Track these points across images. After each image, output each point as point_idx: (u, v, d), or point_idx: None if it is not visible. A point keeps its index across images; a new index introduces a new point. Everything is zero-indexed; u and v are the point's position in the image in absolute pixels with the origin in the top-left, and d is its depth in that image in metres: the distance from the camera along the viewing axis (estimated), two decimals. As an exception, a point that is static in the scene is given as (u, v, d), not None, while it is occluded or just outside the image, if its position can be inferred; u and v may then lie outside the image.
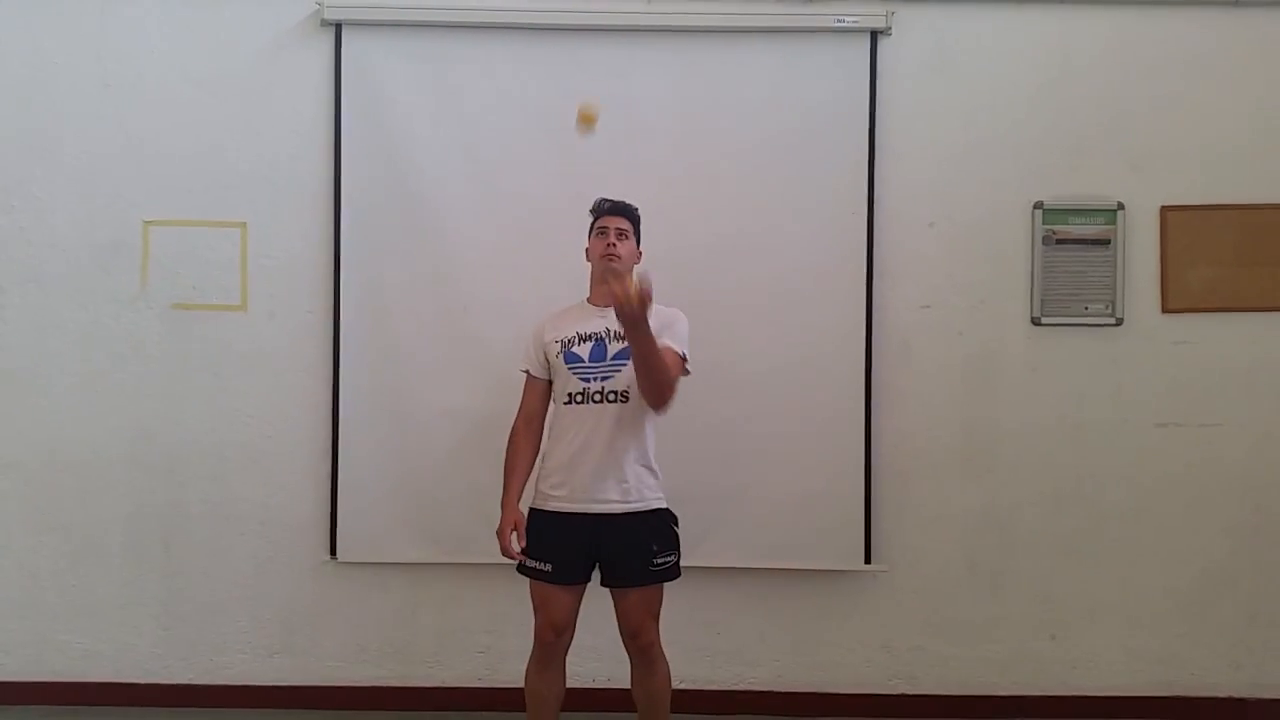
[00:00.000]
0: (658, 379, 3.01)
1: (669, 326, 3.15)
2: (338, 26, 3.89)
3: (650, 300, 2.83)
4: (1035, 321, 3.93)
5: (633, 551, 3.13)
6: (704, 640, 3.95)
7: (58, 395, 3.92)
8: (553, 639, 3.18)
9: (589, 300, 3.32)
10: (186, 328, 3.92)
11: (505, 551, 3.19)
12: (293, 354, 3.92)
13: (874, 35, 3.87)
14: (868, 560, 3.90)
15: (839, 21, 3.86)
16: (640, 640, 3.17)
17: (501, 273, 3.87)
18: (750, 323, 3.83)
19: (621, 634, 3.21)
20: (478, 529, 3.82)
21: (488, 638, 3.95)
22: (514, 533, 3.18)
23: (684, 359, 3.16)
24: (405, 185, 3.89)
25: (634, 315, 2.81)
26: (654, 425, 3.20)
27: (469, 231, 3.89)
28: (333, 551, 3.90)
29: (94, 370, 3.92)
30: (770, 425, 3.85)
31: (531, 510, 3.23)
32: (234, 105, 3.92)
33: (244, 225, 3.93)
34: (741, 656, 3.98)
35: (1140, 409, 3.92)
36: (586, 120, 3.12)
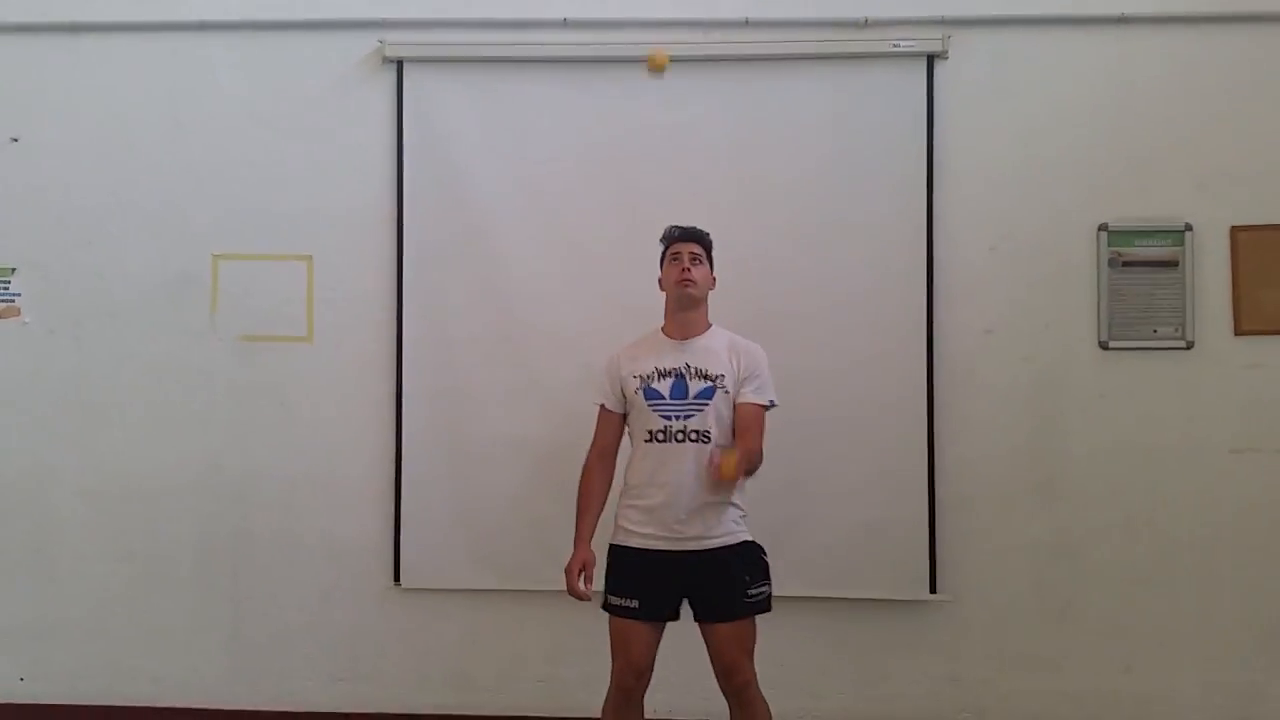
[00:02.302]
0: (750, 472, 3.09)
1: (754, 377, 3.15)
2: (399, 64, 3.97)
3: (733, 475, 2.95)
4: (1103, 345, 3.85)
5: (726, 584, 3.08)
6: (766, 671, 3.77)
7: (130, 425, 4.02)
8: (633, 683, 3.11)
9: (664, 331, 3.25)
10: (254, 359, 4.01)
11: (572, 591, 3.14)
12: (357, 384, 3.99)
13: (930, 59, 3.85)
14: (933, 590, 3.83)
15: (895, 46, 3.85)
16: (735, 680, 3.08)
17: (560, 302, 3.90)
18: (808, 347, 3.80)
19: (716, 675, 3.13)
20: (538, 556, 3.85)
21: (548, 666, 3.94)
22: (583, 573, 3.13)
23: (769, 405, 3.17)
24: (465, 217, 3.95)
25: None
26: None
27: (528, 262, 3.93)
28: (396, 578, 3.94)
29: (165, 400, 4.02)
30: (831, 451, 3.83)
31: (613, 547, 3.17)
32: (299, 142, 4.02)
33: (309, 259, 4.01)
34: (805, 688, 3.91)
35: (1214, 434, 3.82)
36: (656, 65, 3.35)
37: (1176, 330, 3.83)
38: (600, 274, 3.87)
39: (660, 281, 3.27)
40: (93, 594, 4.03)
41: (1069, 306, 3.87)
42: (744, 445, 3.06)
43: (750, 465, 3.06)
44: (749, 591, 3.09)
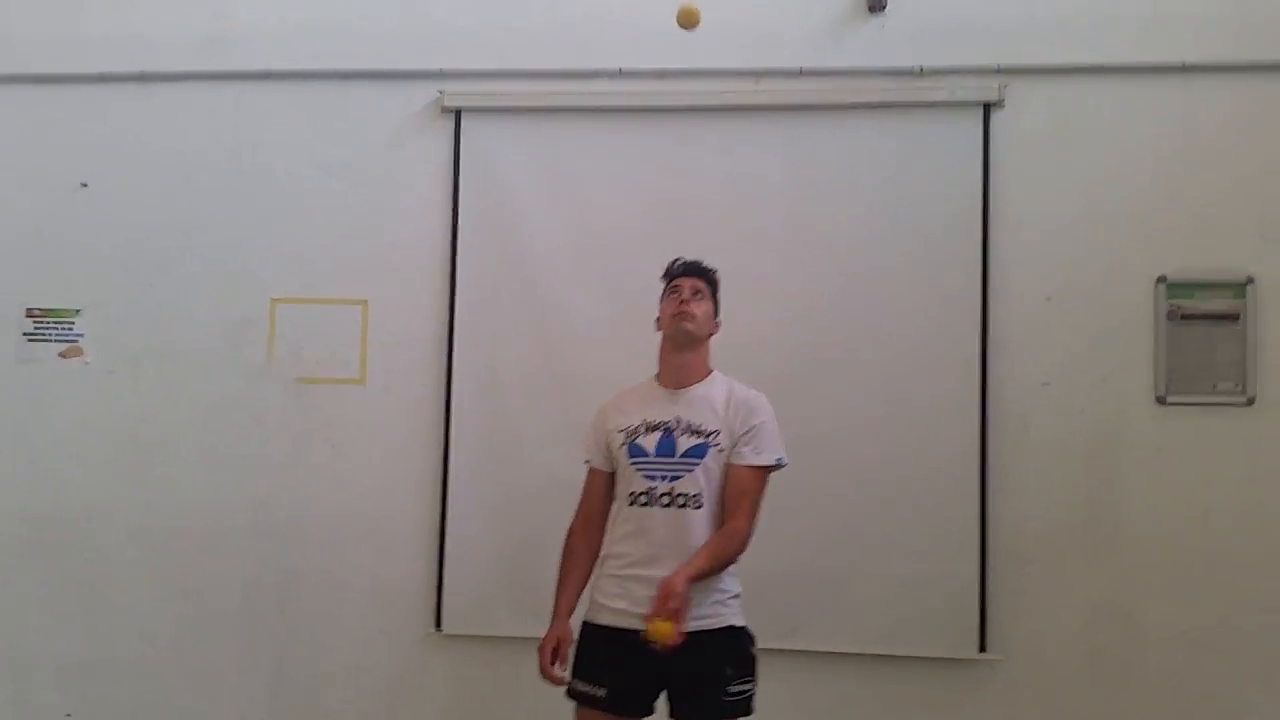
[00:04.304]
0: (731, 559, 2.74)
1: (754, 433, 2.79)
2: (457, 113, 4.03)
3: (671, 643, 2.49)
4: (1161, 400, 3.76)
5: (703, 677, 2.68)
6: (811, 728, 3.83)
7: (183, 465, 4.08)
8: None
9: (657, 378, 2.95)
10: (307, 400, 4.05)
11: (543, 672, 2.82)
12: (406, 426, 4.01)
13: (986, 108, 3.82)
14: (982, 649, 3.73)
15: (950, 95, 3.83)
16: None
17: (610, 348, 3.86)
18: (859, 397, 3.77)
19: None
20: (582, 606, 3.80)
21: (590, 716, 3.90)
22: (556, 651, 2.83)
23: (774, 466, 2.82)
24: (519, 264, 3.99)
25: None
26: None
27: (579, 308, 3.94)
28: (438, 623, 3.93)
29: (218, 441, 4.07)
30: (878, 504, 3.76)
31: (585, 623, 2.84)
32: (358, 189, 4.09)
33: (365, 302, 4.07)
34: (850, 748, 3.83)
35: (1276, 493, 3.69)
36: (688, 17, 2.98)
37: (1237, 385, 3.74)
38: (652, 321, 3.85)
39: (657, 321, 2.97)
40: (142, 633, 4.06)
41: (1126, 360, 3.79)
42: (730, 526, 2.71)
43: (725, 559, 2.69)
44: (729, 689, 2.69)
